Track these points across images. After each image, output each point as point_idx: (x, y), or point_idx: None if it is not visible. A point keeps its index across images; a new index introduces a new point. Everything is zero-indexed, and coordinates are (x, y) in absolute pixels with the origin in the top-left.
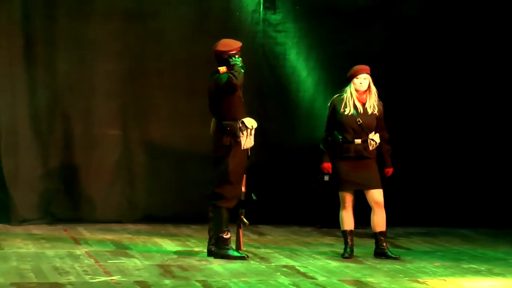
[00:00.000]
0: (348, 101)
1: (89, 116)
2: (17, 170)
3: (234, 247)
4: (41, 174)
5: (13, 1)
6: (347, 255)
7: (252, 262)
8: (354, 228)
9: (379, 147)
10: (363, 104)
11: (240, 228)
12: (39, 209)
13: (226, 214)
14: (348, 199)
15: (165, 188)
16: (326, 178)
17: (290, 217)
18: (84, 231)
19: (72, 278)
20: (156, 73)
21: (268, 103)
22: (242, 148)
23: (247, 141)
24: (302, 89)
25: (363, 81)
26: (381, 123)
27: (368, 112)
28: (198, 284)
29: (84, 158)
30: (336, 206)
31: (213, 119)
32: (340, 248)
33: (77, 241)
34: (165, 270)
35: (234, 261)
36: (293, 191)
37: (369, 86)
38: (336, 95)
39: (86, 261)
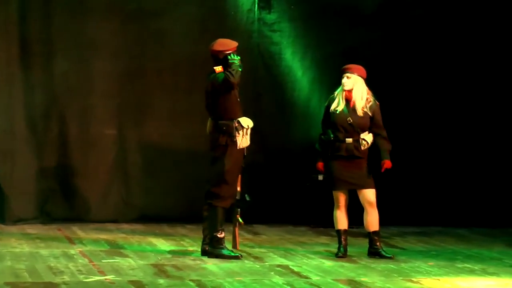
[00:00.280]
0: (338, 99)
1: (85, 115)
2: (12, 170)
3: (229, 246)
4: (36, 173)
5: (10, 1)
6: (341, 254)
7: (246, 261)
8: (348, 227)
9: (377, 145)
10: (354, 103)
11: (236, 227)
12: (34, 209)
13: (222, 213)
14: (342, 198)
15: (161, 188)
16: (320, 177)
17: (285, 217)
18: (78, 231)
19: (66, 278)
20: (152, 73)
21: (263, 103)
22: (238, 148)
23: (243, 140)
24: (297, 88)
25: (346, 80)
26: (377, 122)
27: (359, 112)
28: (192, 283)
29: (80, 157)
30: (330, 206)
31: (210, 118)
32: (334, 248)
33: (71, 241)
34: (160, 270)
35: (228, 260)
36: (287, 190)
37: (357, 88)
38: (332, 95)
39: (80, 261)
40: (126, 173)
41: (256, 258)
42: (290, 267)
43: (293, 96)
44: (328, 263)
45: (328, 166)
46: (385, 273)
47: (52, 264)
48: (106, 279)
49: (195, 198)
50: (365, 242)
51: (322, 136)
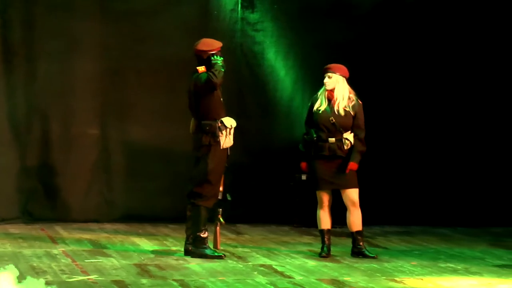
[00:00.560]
0: (320, 98)
1: (68, 115)
2: None
3: (211, 246)
4: (19, 173)
5: None
6: (324, 254)
7: (229, 261)
8: (332, 227)
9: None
10: (336, 103)
11: (218, 227)
12: (16, 209)
13: (205, 213)
14: (325, 198)
15: (143, 188)
16: (304, 177)
17: (268, 216)
18: (61, 231)
19: (49, 278)
20: (134, 73)
21: (246, 102)
22: (221, 148)
23: (226, 140)
24: (280, 88)
25: (327, 79)
26: (357, 122)
27: (341, 111)
28: (175, 283)
29: (62, 157)
30: (313, 205)
31: (193, 118)
32: (317, 247)
33: (54, 241)
34: (143, 270)
35: (211, 260)
36: (271, 190)
37: (338, 87)
38: (315, 94)
39: (63, 261)
40: (109, 172)
41: (239, 257)
42: (274, 266)
43: (276, 96)
44: (311, 263)
45: (311, 166)
46: (368, 273)
47: (35, 264)
48: (89, 279)
49: (178, 197)
50: (348, 242)
51: (305, 136)
